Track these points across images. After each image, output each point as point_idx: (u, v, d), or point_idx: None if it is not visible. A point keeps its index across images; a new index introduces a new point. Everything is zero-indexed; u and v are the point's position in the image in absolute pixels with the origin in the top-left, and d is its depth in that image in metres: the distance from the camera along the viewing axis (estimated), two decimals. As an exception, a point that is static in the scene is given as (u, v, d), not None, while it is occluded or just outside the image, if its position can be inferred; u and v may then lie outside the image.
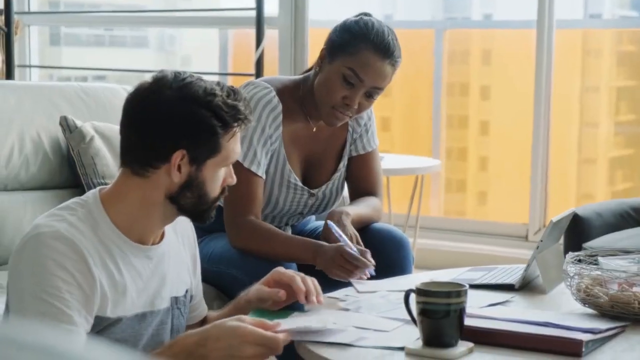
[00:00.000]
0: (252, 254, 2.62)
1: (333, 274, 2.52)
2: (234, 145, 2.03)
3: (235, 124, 2.01)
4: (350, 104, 2.63)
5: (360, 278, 2.50)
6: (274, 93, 2.70)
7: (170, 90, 1.98)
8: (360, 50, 2.60)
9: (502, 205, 5.75)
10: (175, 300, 2.14)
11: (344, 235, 2.54)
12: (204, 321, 2.30)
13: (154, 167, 1.99)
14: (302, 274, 2.22)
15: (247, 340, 1.92)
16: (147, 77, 2.05)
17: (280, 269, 2.24)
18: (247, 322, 1.95)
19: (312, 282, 2.21)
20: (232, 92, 2.02)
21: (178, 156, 1.97)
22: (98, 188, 2.06)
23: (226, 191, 2.09)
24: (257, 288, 2.23)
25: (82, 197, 2.05)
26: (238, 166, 2.63)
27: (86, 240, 1.94)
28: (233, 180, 2.08)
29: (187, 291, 2.19)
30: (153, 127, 1.99)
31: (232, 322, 1.95)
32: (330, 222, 2.59)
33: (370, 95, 2.65)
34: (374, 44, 2.61)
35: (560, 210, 2.53)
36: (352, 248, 2.50)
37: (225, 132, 2.00)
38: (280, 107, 2.70)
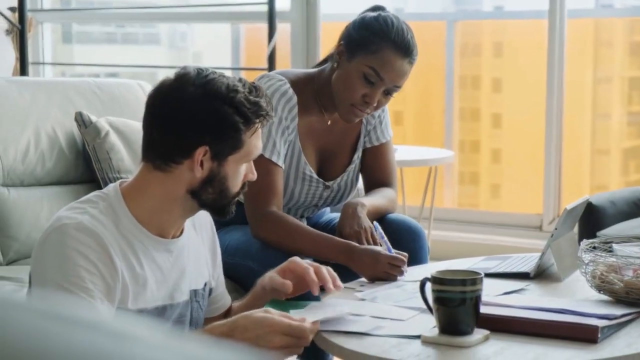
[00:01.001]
0: (274, 246, 2.62)
1: (372, 277, 2.51)
2: (256, 141, 2.05)
3: (257, 120, 2.03)
4: (370, 102, 2.63)
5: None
6: (288, 85, 2.72)
7: (194, 87, 2.00)
8: (382, 49, 2.61)
9: (515, 196, 5.75)
10: (194, 293, 2.16)
11: (386, 238, 2.55)
12: (228, 312, 2.32)
13: (177, 162, 2.01)
14: (317, 265, 2.23)
15: (274, 330, 1.93)
16: (161, 74, 2.07)
17: (296, 258, 2.25)
18: (274, 314, 1.96)
19: (328, 271, 2.22)
20: (254, 88, 2.04)
21: (201, 152, 1.99)
22: (118, 182, 2.07)
23: (246, 186, 2.10)
24: (271, 276, 2.24)
25: (103, 190, 2.06)
26: (258, 157, 2.64)
27: (108, 232, 1.96)
28: (254, 176, 2.10)
29: (205, 284, 2.21)
30: (176, 123, 2.01)
31: (259, 313, 1.97)
32: (376, 224, 2.59)
33: (388, 93, 2.66)
34: (395, 43, 2.61)
35: (574, 201, 2.54)
36: (392, 251, 2.51)
37: (247, 128, 2.02)
38: (295, 98, 2.71)
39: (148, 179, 2.04)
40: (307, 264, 2.23)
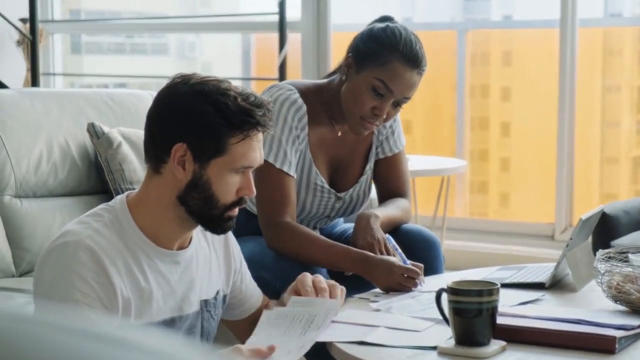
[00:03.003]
0: (289, 256, 2.61)
1: (387, 288, 2.50)
2: (246, 151, 1.99)
3: (247, 128, 1.98)
4: (380, 114, 2.62)
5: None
6: (297, 95, 2.71)
7: (186, 86, 1.99)
8: (390, 61, 2.59)
9: (525, 206, 5.73)
10: (204, 303, 2.15)
11: (400, 250, 2.54)
12: (265, 307, 2.32)
13: (163, 161, 2.00)
14: (328, 283, 2.25)
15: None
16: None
17: (304, 277, 2.26)
18: (244, 351, 1.97)
19: (342, 292, 2.23)
20: (252, 97, 2.00)
21: (178, 149, 1.96)
22: (126, 193, 2.07)
23: (244, 202, 2.06)
24: (282, 297, 2.29)
25: (110, 202, 2.06)
26: (269, 167, 2.64)
27: (110, 248, 1.95)
28: (252, 192, 2.04)
29: (217, 292, 2.20)
30: (158, 118, 2.01)
31: (229, 350, 1.99)
32: (389, 236, 2.59)
33: (398, 104, 2.65)
34: (404, 54, 2.59)
35: (585, 210, 2.53)
36: (407, 262, 2.51)
37: (232, 133, 1.97)
38: (304, 108, 2.70)
39: (148, 184, 2.04)
40: (309, 287, 2.23)
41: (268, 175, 2.65)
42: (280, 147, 2.66)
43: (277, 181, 2.64)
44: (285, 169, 2.66)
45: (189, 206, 2.00)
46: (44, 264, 1.95)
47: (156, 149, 2.01)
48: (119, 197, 2.06)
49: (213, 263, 2.19)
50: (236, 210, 2.05)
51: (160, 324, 2.03)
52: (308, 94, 2.73)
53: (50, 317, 0.56)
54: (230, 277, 2.25)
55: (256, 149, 2.02)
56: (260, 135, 2.02)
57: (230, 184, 2.01)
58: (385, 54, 2.59)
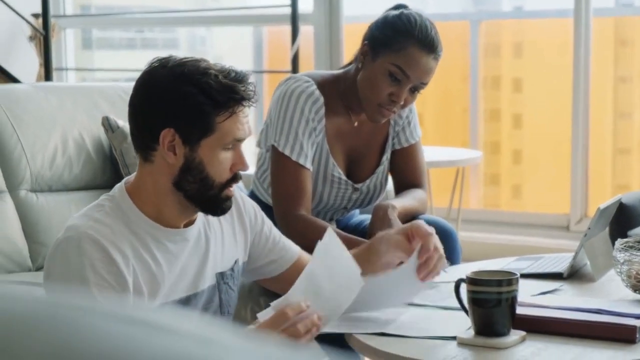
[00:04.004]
0: (304, 249, 2.60)
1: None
2: (233, 126, 1.97)
3: (232, 104, 1.96)
4: (397, 100, 2.62)
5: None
6: (315, 86, 2.71)
7: (164, 69, 1.97)
8: (406, 47, 2.59)
9: (539, 197, 5.72)
10: (220, 275, 2.13)
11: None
12: (298, 266, 2.22)
13: (152, 149, 1.98)
14: (437, 239, 2.21)
15: (289, 318, 1.88)
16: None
17: (420, 221, 2.24)
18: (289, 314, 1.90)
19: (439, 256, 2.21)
20: (233, 72, 1.98)
21: (166, 135, 1.95)
22: (124, 180, 2.06)
23: (239, 178, 2.04)
24: (397, 240, 2.23)
25: (110, 192, 2.05)
26: (285, 160, 2.64)
27: (115, 235, 1.94)
28: (245, 166, 2.02)
29: (236, 262, 2.18)
30: (142, 106, 1.99)
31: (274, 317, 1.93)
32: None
33: (415, 90, 2.64)
34: (419, 40, 2.60)
35: (599, 201, 2.52)
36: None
37: (218, 111, 1.95)
38: (322, 99, 2.70)
39: (141, 172, 2.03)
40: (430, 232, 2.20)
41: (284, 167, 2.65)
42: (297, 139, 2.66)
43: (293, 174, 2.64)
44: (301, 161, 2.66)
45: (186, 191, 1.99)
46: (51, 263, 1.94)
47: (143, 137, 1.99)
48: (117, 185, 2.05)
49: (225, 232, 2.16)
50: (232, 189, 2.03)
51: (175, 303, 2.02)
52: (324, 85, 2.73)
53: (79, 300, 0.56)
54: (249, 240, 2.22)
55: (244, 123, 2.00)
56: (246, 110, 2.01)
57: (224, 162, 1.99)
58: (401, 40, 2.59)
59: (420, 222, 2.23)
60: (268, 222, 2.28)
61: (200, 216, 2.10)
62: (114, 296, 1.90)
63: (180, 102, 1.94)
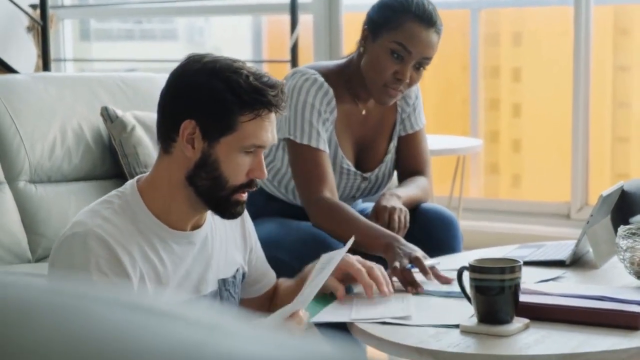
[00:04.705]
0: (328, 233, 2.58)
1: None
2: (256, 129, 1.96)
3: (258, 107, 1.95)
4: (402, 78, 2.61)
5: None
6: (322, 79, 2.69)
7: (198, 63, 1.97)
8: (404, 22, 2.60)
9: (539, 186, 5.71)
10: (222, 282, 2.12)
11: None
12: (274, 290, 2.30)
13: (172, 139, 1.98)
14: (369, 265, 2.18)
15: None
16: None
17: (349, 258, 2.19)
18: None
19: (381, 272, 2.18)
20: (265, 77, 1.97)
21: (187, 126, 1.94)
22: (136, 177, 2.05)
23: (255, 185, 2.02)
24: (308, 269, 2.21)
25: (121, 188, 2.04)
26: (303, 148, 2.62)
27: (122, 234, 1.93)
28: (263, 174, 2.00)
29: (237, 270, 2.17)
30: (168, 96, 2.00)
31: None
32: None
33: (419, 66, 2.63)
34: (417, 15, 2.60)
35: (599, 189, 2.51)
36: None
37: (243, 111, 1.94)
38: (331, 91, 2.69)
39: (158, 166, 2.02)
40: (359, 266, 2.17)
41: (301, 153, 2.65)
42: (312, 127, 2.65)
43: (312, 159, 2.64)
44: (321, 146, 2.65)
45: (197, 187, 1.98)
46: (56, 258, 1.94)
47: (166, 127, 1.99)
48: (129, 181, 2.05)
49: (229, 240, 2.16)
50: (245, 195, 2.02)
51: None
52: (330, 75, 2.72)
53: (88, 289, 0.55)
54: (247, 254, 2.23)
55: (268, 129, 1.99)
56: (272, 117, 1.99)
57: (240, 165, 1.98)
58: (399, 17, 2.60)
59: (348, 261, 2.18)
60: (258, 243, 2.28)
61: (207, 222, 2.09)
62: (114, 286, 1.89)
63: (206, 95, 1.94)
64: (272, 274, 2.32)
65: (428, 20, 2.60)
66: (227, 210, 2.02)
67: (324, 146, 2.66)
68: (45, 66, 5.26)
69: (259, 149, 1.99)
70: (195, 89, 1.95)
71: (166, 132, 1.99)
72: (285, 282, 2.31)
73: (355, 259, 2.20)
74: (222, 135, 1.95)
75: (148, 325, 0.50)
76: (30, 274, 2.90)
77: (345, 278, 2.18)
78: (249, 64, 2.01)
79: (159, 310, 0.52)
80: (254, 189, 2.03)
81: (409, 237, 2.58)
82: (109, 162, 3.26)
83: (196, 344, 0.49)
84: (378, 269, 2.18)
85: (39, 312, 0.53)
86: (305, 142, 2.64)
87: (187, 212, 2.03)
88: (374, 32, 2.64)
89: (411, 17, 2.59)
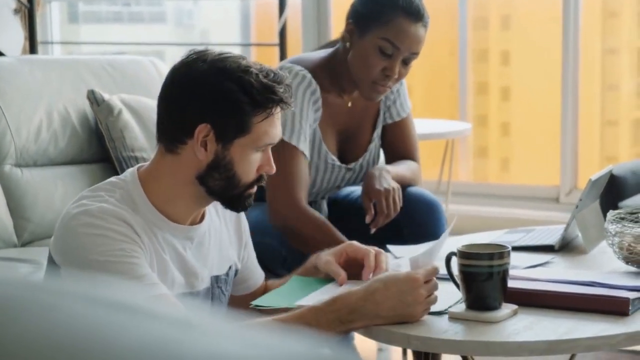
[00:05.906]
0: (302, 242, 2.54)
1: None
2: (268, 128, 1.95)
3: (270, 105, 1.94)
4: (391, 75, 2.58)
5: None
6: (309, 76, 2.64)
7: (204, 63, 1.93)
8: (392, 18, 2.55)
9: (528, 169, 5.71)
10: (215, 279, 2.10)
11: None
12: (264, 289, 2.26)
13: (182, 142, 1.94)
14: (379, 250, 2.15)
15: (420, 284, 1.90)
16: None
17: (356, 243, 2.16)
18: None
19: (385, 259, 2.16)
20: (272, 73, 1.95)
21: (202, 130, 1.92)
22: (137, 166, 2.01)
23: (264, 179, 2.01)
24: (327, 260, 2.14)
25: (120, 176, 2.00)
26: (285, 144, 2.57)
27: (134, 218, 1.91)
28: (272, 169, 2.00)
29: (230, 268, 2.16)
30: (179, 98, 1.95)
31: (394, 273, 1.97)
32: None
33: (407, 62, 2.60)
34: (404, 9, 2.56)
35: (588, 172, 2.50)
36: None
37: (256, 111, 1.93)
38: (318, 90, 2.65)
39: (161, 162, 1.98)
40: (367, 248, 2.14)
41: (280, 152, 2.61)
42: (300, 127, 2.60)
43: (294, 159, 2.58)
44: (301, 146, 2.60)
45: (209, 187, 1.96)
46: (68, 233, 1.87)
47: (175, 129, 1.95)
48: (129, 170, 2.01)
49: (224, 237, 2.14)
50: (255, 188, 2.01)
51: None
52: (316, 70, 2.67)
53: (76, 286, 0.53)
54: (241, 250, 2.20)
55: (277, 126, 1.99)
56: (279, 111, 1.99)
57: (252, 163, 1.97)
58: (387, 12, 2.55)
59: (355, 245, 2.15)
60: (250, 240, 2.25)
61: (207, 218, 2.07)
62: (141, 259, 1.86)
63: (220, 98, 1.92)
64: (259, 274, 2.28)
65: (416, 14, 2.56)
66: (240, 205, 2.02)
67: (304, 147, 2.61)
68: (32, 49, 5.22)
69: (269, 145, 1.99)
70: (208, 91, 1.92)
71: (174, 133, 1.95)
72: (274, 284, 2.27)
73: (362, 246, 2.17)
74: (236, 137, 1.94)
75: (124, 322, 0.49)
76: (15, 259, 2.88)
77: (347, 266, 2.14)
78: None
79: (136, 308, 0.51)
80: (263, 184, 2.03)
81: (392, 221, 2.57)
82: (95, 146, 3.24)
83: (172, 342, 0.48)
84: (385, 256, 2.15)
85: (16, 309, 0.51)
86: (293, 142, 2.59)
87: (190, 207, 2.01)
88: (360, 27, 2.59)
89: (399, 12, 2.55)
